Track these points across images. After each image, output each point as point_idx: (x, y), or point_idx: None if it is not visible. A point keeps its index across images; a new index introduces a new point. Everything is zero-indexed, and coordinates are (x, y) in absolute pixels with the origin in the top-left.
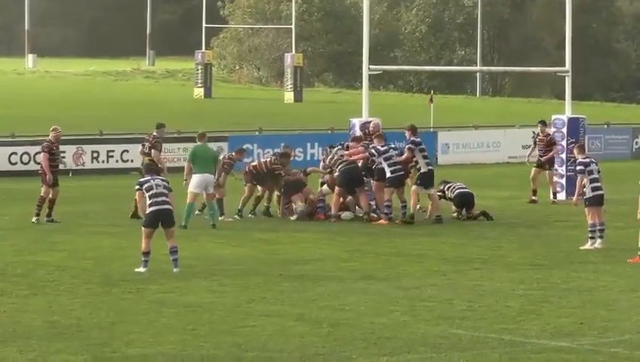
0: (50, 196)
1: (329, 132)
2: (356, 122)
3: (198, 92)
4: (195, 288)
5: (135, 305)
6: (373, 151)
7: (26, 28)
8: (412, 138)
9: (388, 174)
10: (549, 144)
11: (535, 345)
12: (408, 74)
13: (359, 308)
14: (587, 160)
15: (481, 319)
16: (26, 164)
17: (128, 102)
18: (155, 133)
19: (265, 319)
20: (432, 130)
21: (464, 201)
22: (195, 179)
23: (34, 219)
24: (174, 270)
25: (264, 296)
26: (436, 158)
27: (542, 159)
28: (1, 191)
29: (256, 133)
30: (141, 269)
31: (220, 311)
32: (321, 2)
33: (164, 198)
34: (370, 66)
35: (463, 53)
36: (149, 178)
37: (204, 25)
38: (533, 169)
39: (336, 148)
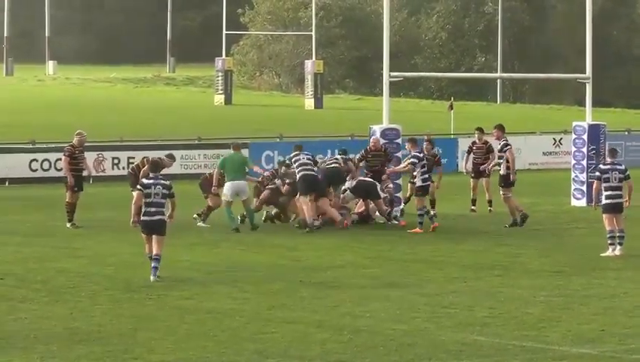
0: (71, 201)
1: (349, 138)
2: (377, 129)
3: (219, 99)
4: (216, 295)
5: (156, 312)
6: (415, 160)
7: (47, 35)
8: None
9: (419, 183)
10: (488, 152)
11: (556, 352)
12: (429, 80)
13: (380, 314)
14: (608, 166)
15: (502, 326)
16: (46, 170)
17: (149, 108)
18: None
19: (286, 326)
20: (452, 136)
21: None
22: (226, 186)
23: (68, 225)
24: (151, 278)
25: (285, 302)
26: (457, 165)
27: (480, 168)
28: (22, 198)
29: (277, 139)
30: (151, 278)
31: (241, 317)
32: (340, 9)
33: (157, 209)
34: (391, 73)
35: (483, 60)
36: (153, 182)
37: (224, 32)
38: (472, 179)
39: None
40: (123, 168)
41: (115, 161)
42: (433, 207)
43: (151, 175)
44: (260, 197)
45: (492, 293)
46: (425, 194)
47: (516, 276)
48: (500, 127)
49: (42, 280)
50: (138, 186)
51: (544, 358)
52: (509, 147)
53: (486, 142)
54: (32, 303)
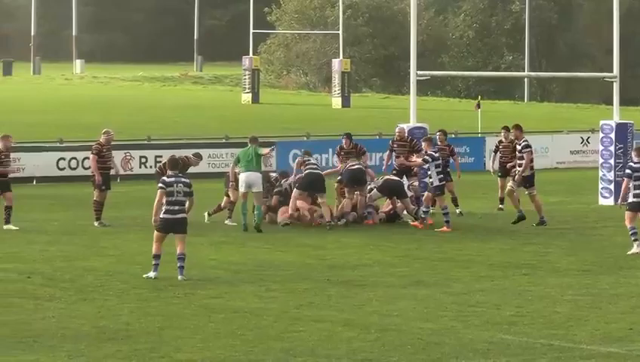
0: (99, 200)
1: (377, 137)
2: (404, 127)
3: (246, 97)
4: (243, 293)
5: (183, 311)
6: (428, 158)
7: (74, 33)
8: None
9: (436, 182)
10: (514, 150)
11: (584, 351)
12: (456, 79)
13: (407, 313)
14: (638, 165)
15: (530, 324)
16: (73, 169)
17: (176, 107)
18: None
19: (313, 324)
20: (479, 135)
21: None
22: (240, 178)
23: (96, 224)
24: (179, 277)
25: (312, 301)
26: (484, 164)
27: (507, 166)
28: (50, 197)
29: (304, 138)
30: (151, 274)
31: (268, 316)
32: (367, 8)
33: (180, 207)
34: (418, 72)
35: (510, 58)
36: (174, 180)
37: (251, 30)
38: (499, 178)
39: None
40: (150, 167)
41: (143, 160)
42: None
43: (170, 173)
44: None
45: (519, 292)
46: (443, 193)
47: (544, 275)
48: (518, 127)
49: (70, 278)
50: (160, 185)
51: (572, 357)
52: (529, 149)
53: (512, 141)
54: (59, 302)
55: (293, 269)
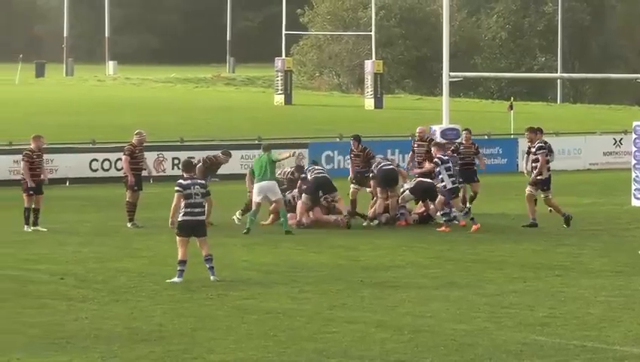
0: (132, 201)
1: (409, 138)
2: (437, 129)
3: (279, 99)
4: (276, 294)
5: (216, 312)
6: (437, 161)
7: (107, 35)
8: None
9: (449, 185)
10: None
11: (617, 352)
12: (488, 80)
13: (440, 314)
14: None
15: (563, 326)
16: (106, 170)
17: (209, 109)
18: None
19: (346, 325)
20: (512, 136)
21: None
22: (255, 188)
23: (129, 225)
24: (212, 278)
25: (345, 302)
26: (516, 165)
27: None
28: (82, 198)
29: (337, 139)
30: (175, 279)
31: (301, 317)
32: (400, 9)
33: (199, 209)
34: (451, 73)
35: (543, 59)
36: (190, 182)
37: (284, 32)
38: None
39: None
40: None
41: (175, 161)
42: (471, 202)
43: (186, 175)
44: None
45: (552, 293)
46: (457, 196)
47: (577, 276)
48: (532, 130)
49: (102, 280)
50: (177, 188)
51: (605, 358)
52: (543, 150)
53: (545, 142)
54: (92, 303)
55: (326, 270)
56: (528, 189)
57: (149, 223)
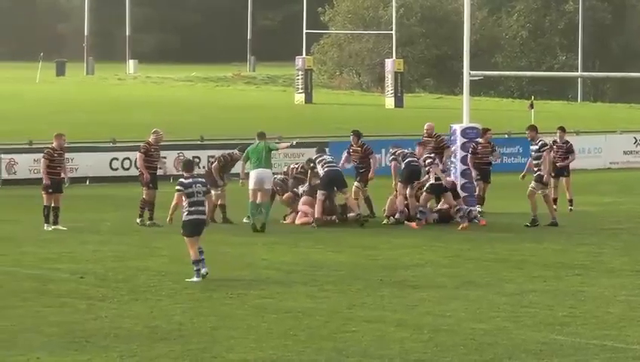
0: (147, 198)
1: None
2: (457, 128)
3: (299, 98)
4: (296, 293)
5: (236, 311)
6: (430, 159)
7: (127, 34)
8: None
9: (432, 180)
10: (568, 151)
11: (637, 352)
12: (509, 79)
13: (460, 313)
14: None
15: (583, 325)
16: (127, 169)
17: (229, 107)
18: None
19: (365, 324)
20: None
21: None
22: (251, 175)
23: (138, 220)
24: (202, 270)
25: (364, 301)
26: None
27: (558, 165)
28: (102, 197)
29: None
30: (194, 279)
31: (320, 316)
32: (421, 7)
33: (202, 208)
34: (471, 72)
35: (564, 58)
36: (192, 181)
37: (304, 30)
38: (552, 178)
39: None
40: (203, 167)
41: (196, 160)
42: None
43: (186, 175)
44: (283, 198)
45: (572, 293)
46: (433, 194)
47: (596, 275)
48: (533, 128)
49: (122, 278)
50: (178, 187)
51: (625, 358)
52: (546, 147)
53: (567, 142)
54: (112, 302)
55: (345, 269)
56: (531, 186)
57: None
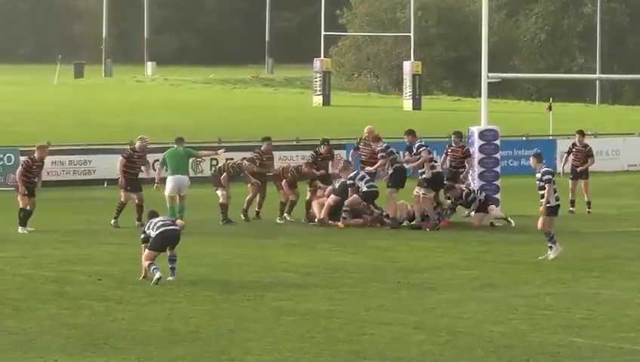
0: (137, 202)
1: (448, 140)
2: (475, 130)
3: (317, 100)
4: (313, 296)
5: (253, 313)
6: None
7: (145, 36)
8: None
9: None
10: (587, 155)
11: None
12: (527, 82)
13: (478, 316)
14: None
15: (600, 327)
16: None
17: (247, 109)
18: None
19: (383, 327)
20: (551, 137)
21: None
22: (168, 181)
23: (112, 221)
24: (169, 278)
25: (382, 303)
26: (555, 167)
27: (578, 170)
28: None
29: None
30: (157, 275)
31: (337, 318)
32: (439, 9)
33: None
34: (489, 74)
35: (582, 60)
36: (154, 224)
37: (322, 33)
38: (570, 180)
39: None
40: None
41: (214, 162)
42: None
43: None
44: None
45: (590, 295)
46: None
47: (614, 278)
48: (411, 132)
49: (140, 281)
50: (142, 236)
51: None
52: (423, 149)
53: (586, 145)
54: (129, 304)
55: (362, 272)
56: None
57: (187, 224)
